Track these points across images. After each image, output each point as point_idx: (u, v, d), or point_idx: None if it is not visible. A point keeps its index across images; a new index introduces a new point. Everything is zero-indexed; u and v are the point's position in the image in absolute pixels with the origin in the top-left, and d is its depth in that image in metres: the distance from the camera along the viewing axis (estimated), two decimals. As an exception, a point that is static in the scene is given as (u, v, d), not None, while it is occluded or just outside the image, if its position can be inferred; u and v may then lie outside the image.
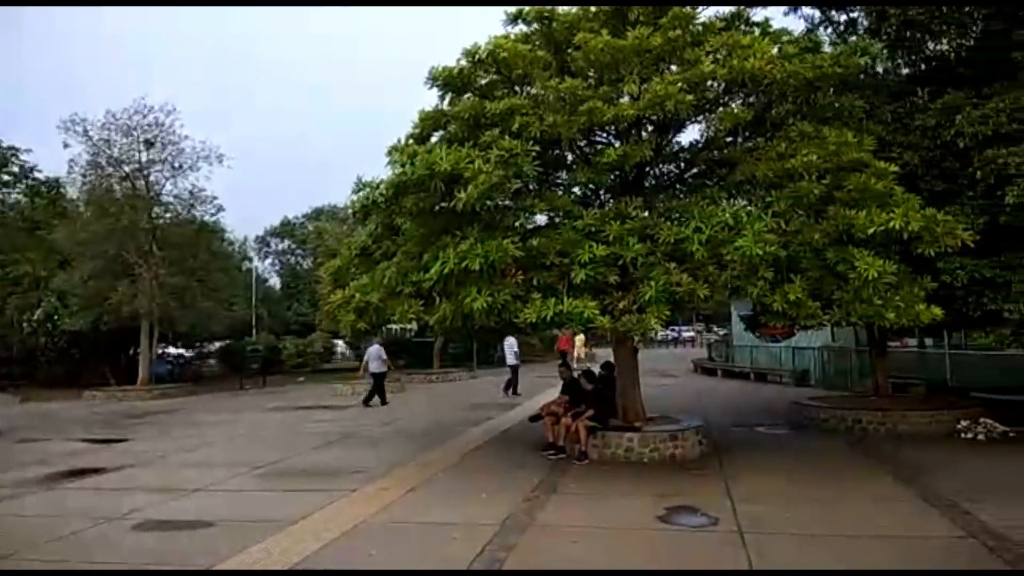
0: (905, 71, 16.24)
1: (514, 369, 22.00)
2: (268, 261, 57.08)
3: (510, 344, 22.12)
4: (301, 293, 47.69)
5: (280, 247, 57.02)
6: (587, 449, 11.02)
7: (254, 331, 41.43)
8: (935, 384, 17.30)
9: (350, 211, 11.79)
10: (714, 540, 7.01)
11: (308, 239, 48.52)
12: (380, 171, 10.38)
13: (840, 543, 6.78)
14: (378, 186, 10.14)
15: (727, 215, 9.08)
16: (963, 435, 12.44)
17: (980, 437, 12.28)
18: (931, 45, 16.05)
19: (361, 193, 10.39)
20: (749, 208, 9.89)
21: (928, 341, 20.05)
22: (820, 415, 13.95)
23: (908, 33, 15.25)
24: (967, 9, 13.57)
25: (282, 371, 33.77)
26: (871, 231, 8.87)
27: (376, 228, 11.69)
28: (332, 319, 12.16)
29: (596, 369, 13.48)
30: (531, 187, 10.85)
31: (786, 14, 17.96)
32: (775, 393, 20.25)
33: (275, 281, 54.97)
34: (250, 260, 50.08)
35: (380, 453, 12.44)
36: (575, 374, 12.84)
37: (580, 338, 31.28)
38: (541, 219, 11.24)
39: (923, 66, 16.35)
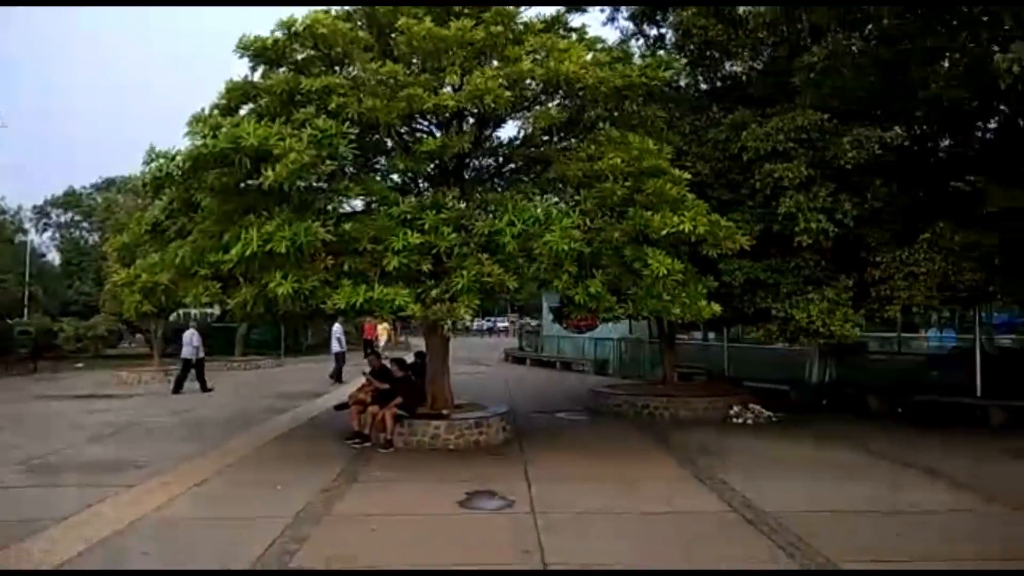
0: (704, 87, 17.75)
1: (338, 356, 21.46)
2: (47, 234, 50.91)
3: (336, 331, 21.65)
4: (85, 271, 42.99)
5: (63, 219, 50.98)
6: (392, 437, 10.96)
7: (26, 311, 36.75)
8: (715, 374, 19.21)
9: (142, 183, 10.77)
10: (508, 521, 7.27)
11: (96, 212, 43.82)
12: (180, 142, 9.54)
13: (623, 520, 7.33)
14: (174, 157, 9.36)
15: (539, 211, 9.43)
16: (735, 420, 13.92)
17: (749, 422, 13.80)
18: (728, 65, 17.70)
19: (154, 164, 9.54)
20: (560, 205, 10.35)
21: (711, 335, 22.20)
22: (614, 402, 14.97)
23: (708, 52, 16.68)
24: (760, 35, 15.03)
25: (59, 356, 30.25)
26: (664, 232, 9.60)
27: (171, 203, 10.79)
28: (116, 300, 11.07)
29: (410, 358, 13.45)
30: (347, 170, 10.55)
31: (604, 24, 19.01)
32: (577, 381, 21.41)
33: (54, 256, 49.13)
34: (25, 232, 44.43)
35: (167, 445, 11.54)
36: (385, 362, 12.73)
37: (383, 326, 30.98)
38: (357, 204, 10.98)
39: (719, 84, 18.01)
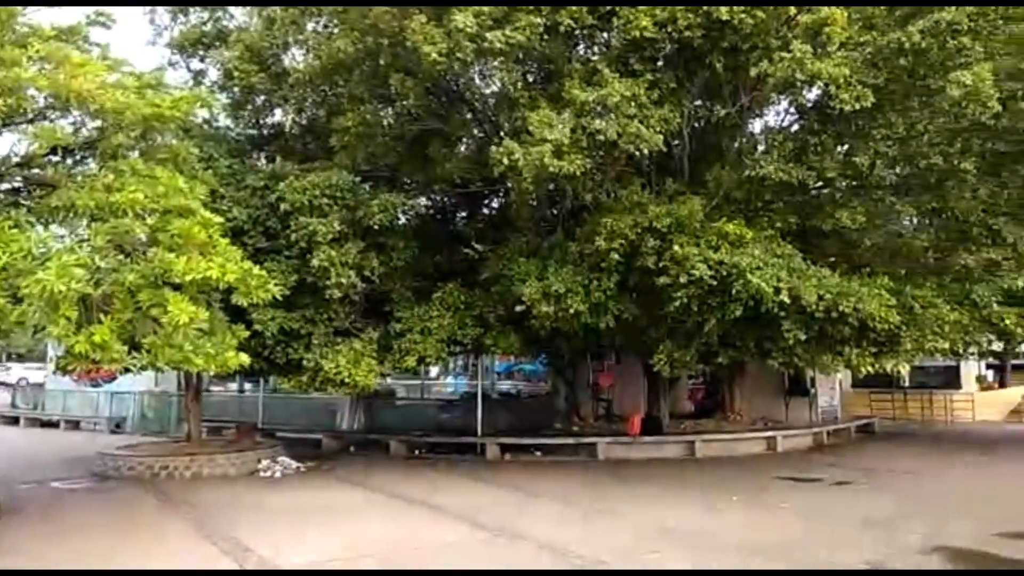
0: (249, 131, 17.56)
1: None
2: None
3: None
4: None
5: None
6: None
7: None
8: (249, 426, 18.58)
9: None
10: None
11: None
12: None
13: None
14: None
15: (31, 243, 7.97)
16: (263, 474, 13.58)
17: (277, 474, 13.59)
18: (273, 115, 17.83)
19: None
20: (65, 239, 8.93)
21: (248, 385, 21.55)
22: (128, 464, 13.35)
23: (251, 97, 16.60)
24: (303, 92, 15.47)
25: None
26: (189, 278, 8.98)
27: None
28: None
29: None
30: None
31: (148, 44, 17.54)
32: (85, 441, 18.51)
33: None
34: None
35: None
36: None
37: None
38: None
39: (263, 131, 18.02)
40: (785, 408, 20.62)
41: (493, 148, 11.06)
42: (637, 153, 11.18)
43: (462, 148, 16.02)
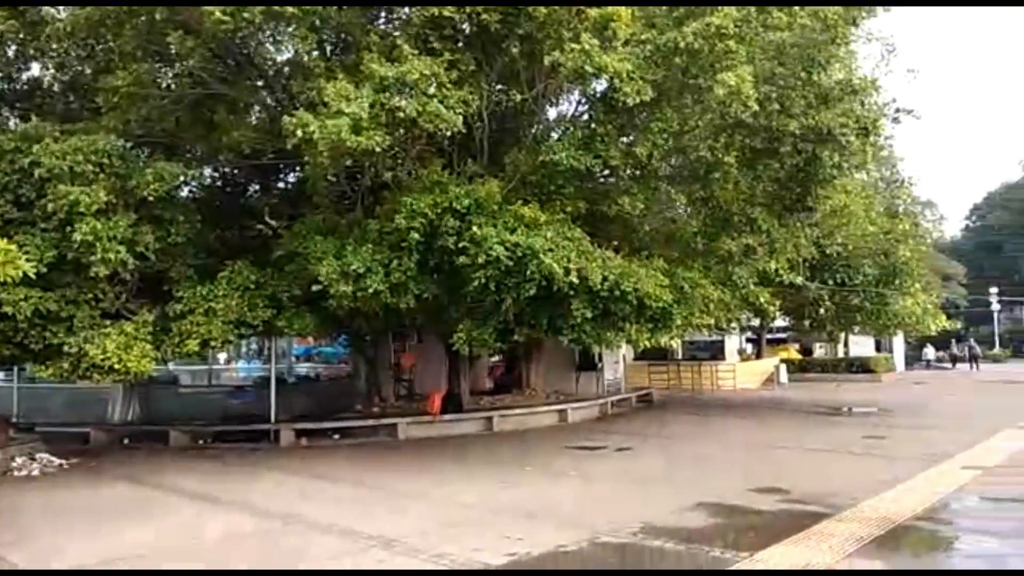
0: (-6, 88, 15.27)
1: None
2: None
3: None
4: None
5: None
6: None
7: None
8: (3, 419, 16.27)
9: None
10: None
11: None
12: None
13: None
14: None
15: None
16: (17, 472, 12.01)
17: (35, 472, 12.08)
18: (30, 69, 15.58)
19: None
20: None
21: (0, 375, 18.87)
22: None
23: (2, 49, 14.42)
24: (64, 45, 13.67)
25: None
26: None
27: None
28: None
29: None
30: None
31: None
32: None
33: None
34: None
35: None
36: None
37: None
38: None
39: (17, 87, 15.72)
40: (576, 382, 21.95)
41: (286, 119, 10.47)
42: (438, 133, 11.17)
43: (253, 117, 15.06)
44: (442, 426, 15.84)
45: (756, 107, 10.98)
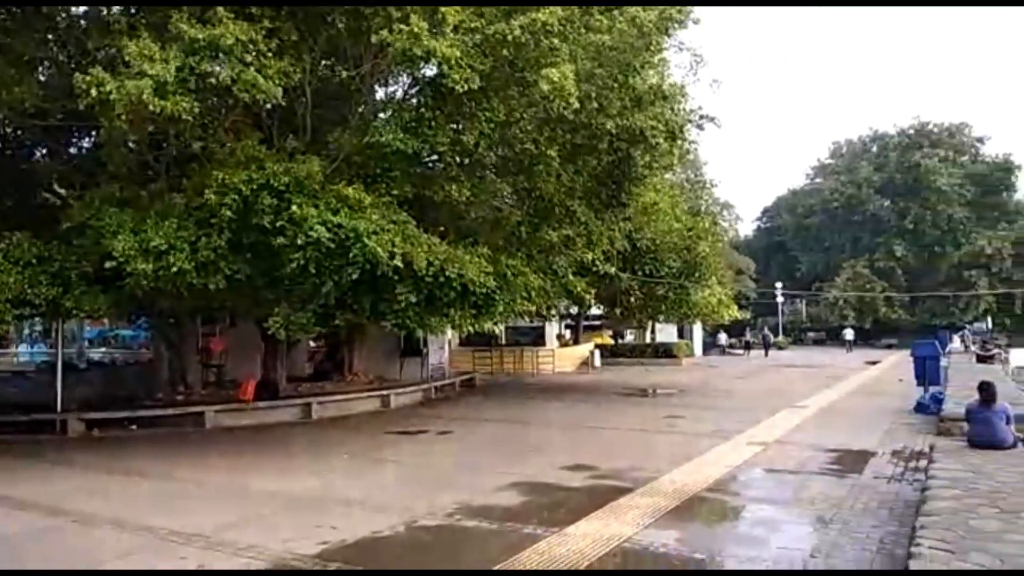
0: None
1: None
2: None
3: None
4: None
5: None
6: None
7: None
8: None
9: None
10: None
11: None
12: None
13: None
14: None
15: None
16: None
17: None
18: None
19: None
20: None
21: None
22: None
23: None
24: None
25: None
26: None
27: None
28: None
29: None
30: None
31: None
32: None
33: None
34: None
35: None
36: None
37: None
38: None
39: None
40: (400, 367, 21.84)
41: (79, 76, 9.43)
42: (255, 104, 10.57)
43: (41, 73, 13.40)
44: (256, 414, 15.10)
45: (577, 104, 11.44)
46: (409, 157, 11.67)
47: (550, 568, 5.98)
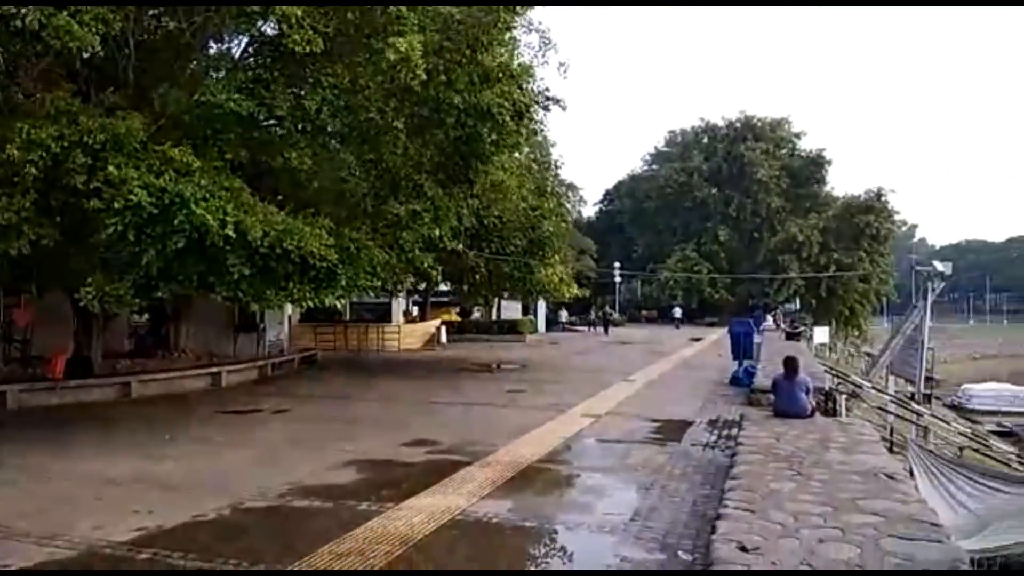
0: None
1: None
2: None
3: None
4: None
5: None
6: None
7: None
8: None
9: None
10: None
11: None
12: None
13: None
14: None
15: None
16: None
17: None
18: None
19: None
20: None
21: None
22: None
23: None
24: None
25: None
26: None
27: None
28: None
29: None
30: None
31: None
32: None
33: None
34: None
35: None
36: None
37: None
38: None
39: None
40: (234, 343, 20.72)
41: None
42: (67, 52, 9.50)
43: None
44: (67, 393, 13.77)
45: (424, 76, 11.26)
46: (244, 120, 10.97)
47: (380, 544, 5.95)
